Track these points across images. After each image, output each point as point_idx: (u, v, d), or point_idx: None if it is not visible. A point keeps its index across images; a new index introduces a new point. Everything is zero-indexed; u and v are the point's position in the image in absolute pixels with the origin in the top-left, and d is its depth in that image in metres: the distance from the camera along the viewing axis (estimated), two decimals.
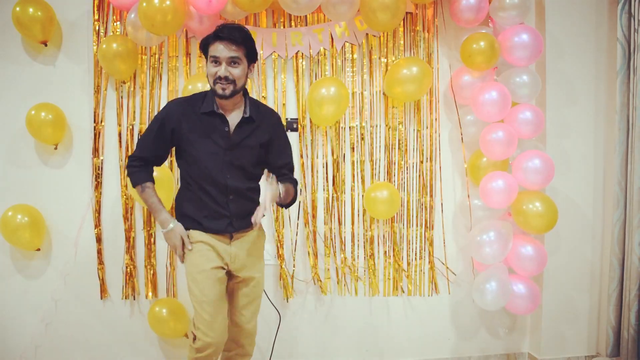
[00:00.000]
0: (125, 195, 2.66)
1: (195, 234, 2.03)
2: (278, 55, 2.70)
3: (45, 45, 2.55)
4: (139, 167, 2.05)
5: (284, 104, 2.72)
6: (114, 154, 2.68)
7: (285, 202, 2.06)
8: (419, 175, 2.80)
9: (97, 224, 2.67)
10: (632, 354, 2.60)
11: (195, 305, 2.01)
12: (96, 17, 2.62)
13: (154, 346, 2.75)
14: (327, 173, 2.76)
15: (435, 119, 2.79)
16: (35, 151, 2.65)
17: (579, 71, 2.80)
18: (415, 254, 2.83)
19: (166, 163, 2.66)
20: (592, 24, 2.80)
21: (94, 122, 2.66)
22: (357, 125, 2.76)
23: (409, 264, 2.82)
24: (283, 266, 2.74)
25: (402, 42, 2.76)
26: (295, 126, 2.73)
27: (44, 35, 2.50)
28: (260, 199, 1.91)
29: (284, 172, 2.12)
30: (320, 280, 2.78)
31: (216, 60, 1.90)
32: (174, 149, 2.15)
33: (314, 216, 2.75)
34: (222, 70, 1.89)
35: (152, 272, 2.70)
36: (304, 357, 2.84)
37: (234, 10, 2.49)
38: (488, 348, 2.92)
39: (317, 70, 2.72)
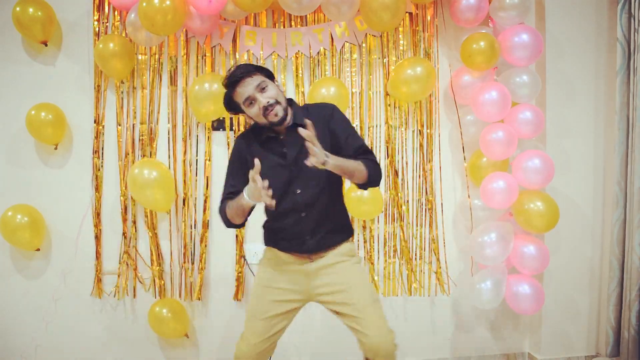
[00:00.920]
0: (125, 195, 2.66)
1: None
2: (278, 55, 2.70)
3: (45, 45, 2.55)
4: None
5: None
6: (114, 154, 2.68)
7: (357, 181, 1.90)
8: (419, 175, 2.81)
9: (97, 224, 2.67)
10: (632, 354, 2.60)
11: None
12: (96, 17, 2.62)
13: (154, 346, 2.75)
14: None
15: (436, 119, 2.79)
16: (35, 151, 2.66)
17: (579, 71, 2.80)
18: (416, 254, 2.83)
19: (166, 163, 2.67)
20: (592, 24, 2.80)
21: (94, 122, 2.66)
22: (357, 126, 2.76)
23: (409, 264, 2.82)
24: None
25: (402, 42, 2.76)
26: None
27: (44, 35, 2.50)
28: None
29: (360, 157, 1.93)
30: None
31: (250, 100, 1.84)
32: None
33: None
34: (261, 101, 1.82)
35: (152, 272, 2.70)
36: (304, 357, 2.84)
37: (234, 10, 2.49)
38: (488, 348, 2.92)
39: (317, 70, 2.73)
